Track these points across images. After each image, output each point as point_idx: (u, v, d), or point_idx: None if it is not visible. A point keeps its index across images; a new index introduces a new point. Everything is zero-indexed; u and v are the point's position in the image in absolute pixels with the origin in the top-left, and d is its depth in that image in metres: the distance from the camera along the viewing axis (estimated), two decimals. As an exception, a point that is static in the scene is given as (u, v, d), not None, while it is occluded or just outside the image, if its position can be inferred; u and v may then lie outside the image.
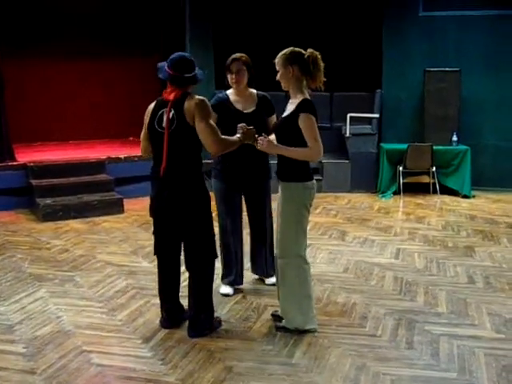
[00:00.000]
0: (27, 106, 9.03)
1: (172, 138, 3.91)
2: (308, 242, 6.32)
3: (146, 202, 4.71)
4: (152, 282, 5.13)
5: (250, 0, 9.68)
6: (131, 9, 10.08)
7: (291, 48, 4.21)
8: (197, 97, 3.94)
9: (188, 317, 4.19)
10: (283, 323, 4.19)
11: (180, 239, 4.13)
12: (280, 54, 4.19)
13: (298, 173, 4.04)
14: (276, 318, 4.32)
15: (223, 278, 4.99)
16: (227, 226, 4.90)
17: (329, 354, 3.84)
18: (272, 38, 9.71)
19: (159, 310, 4.45)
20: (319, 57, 4.16)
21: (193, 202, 3.99)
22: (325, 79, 4.13)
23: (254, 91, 4.95)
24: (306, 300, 4.13)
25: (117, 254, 6.12)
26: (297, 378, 3.57)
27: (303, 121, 3.99)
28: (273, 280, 4.84)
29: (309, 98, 4.11)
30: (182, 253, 4.20)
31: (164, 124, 3.93)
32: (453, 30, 9.33)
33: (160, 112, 3.98)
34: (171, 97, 3.95)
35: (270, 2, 9.72)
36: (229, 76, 4.83)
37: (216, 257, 4.19)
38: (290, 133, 4.03)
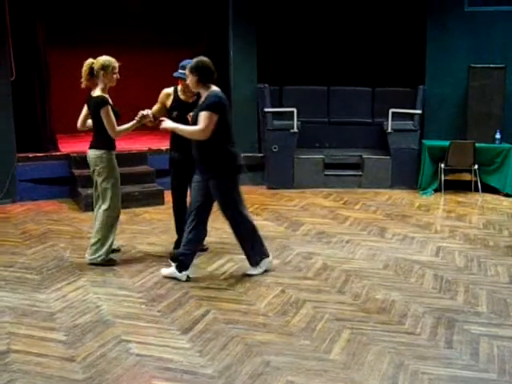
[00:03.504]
0: (71, 96, 9.18)
1: None
2: (347, 237, 6.36)
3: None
4: (191, 275, 5.19)
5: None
6: (177, 3, 10.13)
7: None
8: None
9: None
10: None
11: None
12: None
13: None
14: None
15: None
16: None
17: (367, 352, 3.81)
18: (315, 33, 9.70)
19: (198, 301, 4.52)
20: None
21: None
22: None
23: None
24: None
25: (156, 244, 6.18)
26: (334, 374, 3.55)
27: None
28: None
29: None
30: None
31: None
32: (498, 26, 9.12)
33: None
34: None
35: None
36: None
37: None
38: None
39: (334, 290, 4.89)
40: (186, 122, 5.15)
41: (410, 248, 6.10)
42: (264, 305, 4.59)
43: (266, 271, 5.29)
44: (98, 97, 5.31)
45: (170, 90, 5.59)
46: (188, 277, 5.08)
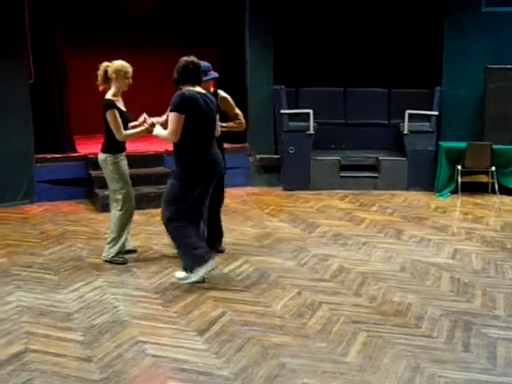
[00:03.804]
0: (89, 97, 9.24)
1: None
2: (363, 239, 6.33)
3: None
4: (208, 276, 5.20)
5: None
6: (193, 4, 10.16)
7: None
8: None
9: None
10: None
11: None
12: None
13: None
14: None
15: None
16: None
17: (383, 354, 3.80)
18: (332, 34, 9.68)
19: (214, 302, 4.57)
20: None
21: None
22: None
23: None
24: None
25: (172, 245, 6.19)
26: (350, 376, 3.54)
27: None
28: None
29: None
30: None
31: None
32: (516, 27, 9.05)
33: None
34: None
35: (330, 1, 9.64)
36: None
37: None
38: None
39: (350, 293, 4.88)
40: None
41: (427, 250, 6.07)
42: (280, 307, 4.59)
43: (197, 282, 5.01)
44: (105, 100, 5.44)
45: None
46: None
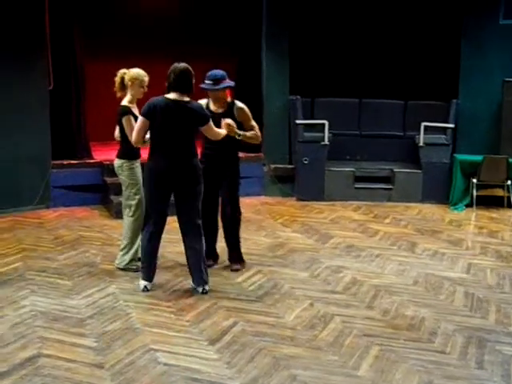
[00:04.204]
0: (105, 104, 9.32)
1: None
2: (377, 251, 6.31)
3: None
4: (220, 285, 5.22)
5: (327, 8, 9.63)
6: (210, 13, 10.22)
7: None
8: None
9: None
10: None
11: None
12: None
13: None
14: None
15: None
16: None
17: (396, 369, 3.77)
18: (348, 45, 9.69)
19: (227, 312, 4.57)
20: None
21: None
22: None
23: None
24: None
25: (185, 254, 6.21)
26: (362, 390, 3.53)
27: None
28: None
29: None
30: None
31: None
32: (535, 40, 9.00)
33: None
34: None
35: (347, 10, 9.65)
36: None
37: None
38: None
39: (362, 305, 4.86)
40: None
41: (441, 264, 6.04)
42: (292, 318, 4.58)
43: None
44: (121, 106, 5.51)
45: (204, 101, 5.47)
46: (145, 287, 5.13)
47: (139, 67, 5.63)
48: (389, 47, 9.74)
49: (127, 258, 5.63)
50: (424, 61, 9.59)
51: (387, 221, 7.87)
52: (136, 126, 5.04)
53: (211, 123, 5.04)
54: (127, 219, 5.66)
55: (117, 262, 5.70)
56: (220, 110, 5.42)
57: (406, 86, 9.57)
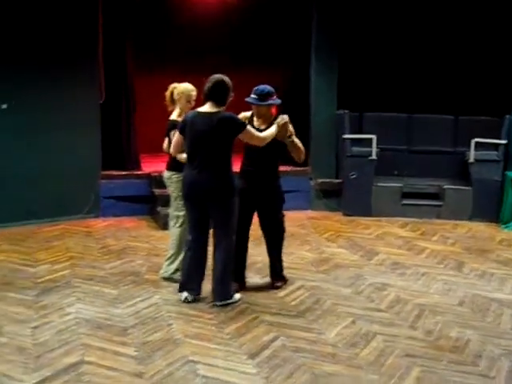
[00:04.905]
0: (155, 117, 9.48)
1: None
2: (423, 270, 6.18)
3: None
4: (262, 299, 5.22)
5: (376, 21, 9.59)
6: (259, 27, 10.29)
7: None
8: None
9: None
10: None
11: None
12: None
13: None
14: None
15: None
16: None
17: (437, 392, 3.70)
18: (398, 59, 9.61)
19: (268, 326, 4.58)
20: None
21: None
22: None
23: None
24: None
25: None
26: (401, 412, 3.46)
27: None
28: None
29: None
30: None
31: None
32: None
33: None
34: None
35: (396, 24, 9.58)
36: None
37: None
38: None
39: (406, 325, 4.77)
40: (259, 149, 5.16)
41: (489, 285, 5.88)
42: (334, 335, 4.53)
43: None
44: (169, 120, 5.64)
45: (248, 113, 5.42)
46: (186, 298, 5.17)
47: (189, 81, 5.73)
48: (439, 61, 9.60)
49: (172, 267, 5.69)
50: (476, 75, 9.41)
51: (435, 238, 7.72)
52: (173, 141, 5.25)
53: (250, 129, 5.00)
54: (174, 230, 5.74)
55: (161, 271, 5.77)
56: (263, 127, 5.31)
57: (457, 100, 9.41)
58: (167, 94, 5.72)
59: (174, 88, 5.68)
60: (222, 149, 4.93)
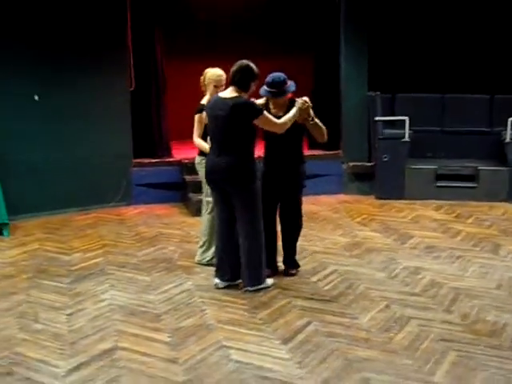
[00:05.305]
0: (185, 103, 9.48)
1: None
2: (458, 253, 6.06)
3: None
4: (295, 284, 5.20)
5: (406, 3, 9.40)
6: (287, 11, 10.20)
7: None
8: None
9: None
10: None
11: None
12: None
13: None
14: None
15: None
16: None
17: (474, 377, 3.61)
18: (430, 38, 9.42)
19: (300, 311, 4.55)
20: None
21: None
22: None
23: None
24: None
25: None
26: (437, 397, 3.41)
27: None
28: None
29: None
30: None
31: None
32: None
33: None
34: None
35: (427, 4, 9.39)
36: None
37: None
38: None
39: (441, 309, 4.69)
40: (274, 135, 5.06)
41: (527, 267, 5.76)
42: (367, 319, 4.48)
43: None
44: (199, 104, 5.65)
45: (261, 100, 5.23)
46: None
47: (218, 67, 5.71)
48: (473, 38, 9.38)
49: (210, 254, 5.69)
50: (511, 52, 9.17)
51: (470, 221, 7.58)
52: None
53: (267, 115, 4.87)
54: (205, 216, 5.74)
55: (197, 258, 5.78)
56: (280, 113, 5.14)
57: (492, 79, 9.19)
58: (201, 78, 5.74)
59: (206, 73, 5.69)
60: (239, 134, 4.83)
